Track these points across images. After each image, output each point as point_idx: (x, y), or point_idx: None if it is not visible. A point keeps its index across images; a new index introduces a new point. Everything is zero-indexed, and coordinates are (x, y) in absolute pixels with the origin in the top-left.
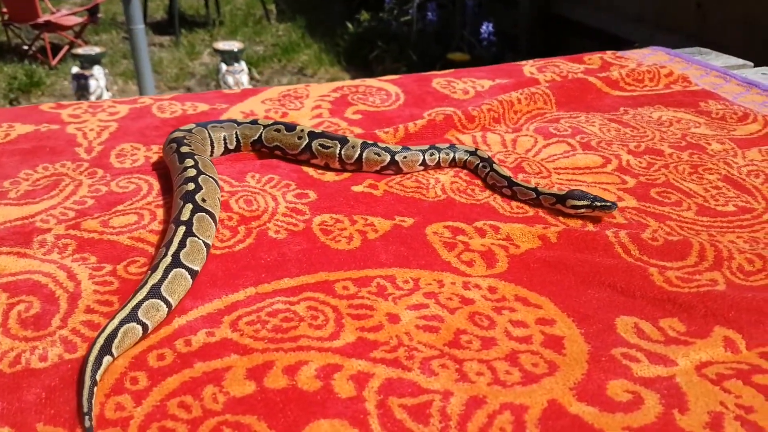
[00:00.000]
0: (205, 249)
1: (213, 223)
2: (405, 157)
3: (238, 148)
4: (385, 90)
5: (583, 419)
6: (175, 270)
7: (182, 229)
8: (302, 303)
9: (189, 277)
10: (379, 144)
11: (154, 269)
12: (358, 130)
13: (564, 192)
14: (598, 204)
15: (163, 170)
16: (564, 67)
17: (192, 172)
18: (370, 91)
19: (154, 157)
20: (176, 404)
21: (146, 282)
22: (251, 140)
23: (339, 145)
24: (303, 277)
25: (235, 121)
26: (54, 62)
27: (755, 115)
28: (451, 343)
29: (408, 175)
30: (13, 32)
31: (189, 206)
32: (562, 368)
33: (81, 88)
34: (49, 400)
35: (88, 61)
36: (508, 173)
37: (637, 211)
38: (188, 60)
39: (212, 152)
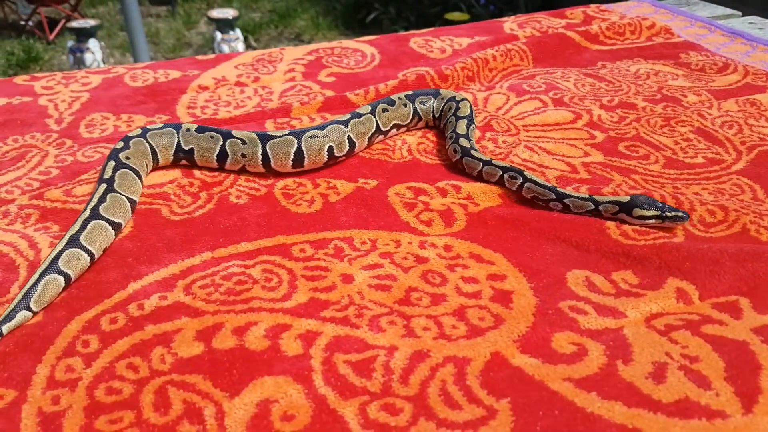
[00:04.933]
0: (128, 203)
1: (138, 180)
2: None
3: (352, 151)
4: (361, 51)
5: (524, 371)
6: (94, 221)
7: (103, 186)
8: (257, 266)
9: (110, 228)
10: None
11: (74, 224)
12: (330, 93)
13: (628, 199)
14: (669, 214)
15: None
16: (545, 22)
17: (122, 144)
18: (346, 53)
19: (123, 126)
20: (125, 365)
21: (65, 235)
22: (369, 135)
23: (432, 98)
24: (260, 241)
25: (341, 122)
26: (51, 37)
27: (736, 65)
28: (402, 300)
29: None
30: (9, 8)
31: (111, 163)
32: (507, 321)
33: (77, 62)
34: (2, 364)
35: (84, 34)
36: (549, 183)
37: (602, 166)
38: (185, 30)
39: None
